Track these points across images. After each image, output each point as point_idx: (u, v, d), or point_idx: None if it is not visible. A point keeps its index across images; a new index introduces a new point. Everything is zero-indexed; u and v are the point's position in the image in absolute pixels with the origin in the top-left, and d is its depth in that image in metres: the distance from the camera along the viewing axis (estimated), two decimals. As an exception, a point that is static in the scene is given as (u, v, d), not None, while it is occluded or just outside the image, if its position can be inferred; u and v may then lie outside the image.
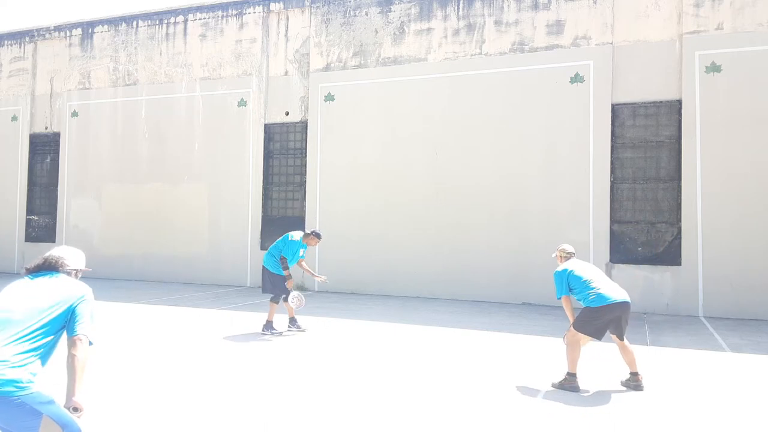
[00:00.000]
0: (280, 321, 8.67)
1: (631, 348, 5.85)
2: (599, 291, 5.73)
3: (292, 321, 8.47)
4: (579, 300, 5.88)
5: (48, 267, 3.12)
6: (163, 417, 4.73)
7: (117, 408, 4.94)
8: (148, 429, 4.47)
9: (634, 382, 5.74)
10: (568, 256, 6.19)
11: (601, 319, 5.69)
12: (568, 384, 5.69)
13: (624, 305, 5.76)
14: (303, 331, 8.44)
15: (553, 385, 5.77)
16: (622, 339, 5.85)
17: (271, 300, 8.42)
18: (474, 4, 12.65)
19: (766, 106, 10.50)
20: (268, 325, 8.29)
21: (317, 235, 8.48)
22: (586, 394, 5.53)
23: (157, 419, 4.67)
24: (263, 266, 8.49)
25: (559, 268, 6.04)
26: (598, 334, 5.75)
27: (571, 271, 5.91)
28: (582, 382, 5.74)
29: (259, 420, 4.68)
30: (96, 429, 4.45)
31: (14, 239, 17.11)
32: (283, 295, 8.30)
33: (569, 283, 5.88)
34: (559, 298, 5.98)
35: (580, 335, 5.77)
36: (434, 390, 5.58)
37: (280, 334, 8.28)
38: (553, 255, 6.40)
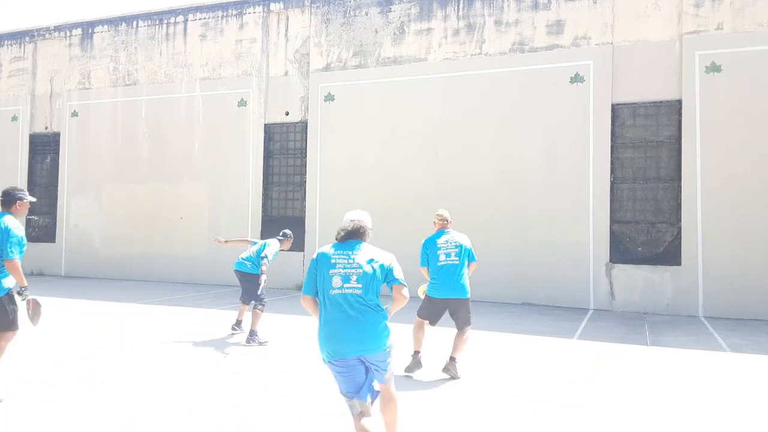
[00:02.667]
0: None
1: (465, 337, 6.07)
2: (437, 282, 6.05)
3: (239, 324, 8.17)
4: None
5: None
6: (153, 417, 4.73)
7: (106, 411, 4.94)
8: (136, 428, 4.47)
9: (451, 367, 5.93)
10: (442, 223, 6.30)
11: (433, 308, 6.11)
12: (413, 361, 6.03)
13: (450, 301, 6.03)
14: (236, 333, 8.08)
15: (406, 370, 6.01)
16: (461, 328, 6.10)
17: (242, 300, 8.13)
18: (474, 4, 12.65)
19: (766, 106, 10.50)
20: (239, 324, 8.16)
21: (288, 236, 8.18)
22: (586, 395, 5.53)
23: (143, 419, 4.68)
24: (237, 271, 8.03)
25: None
26: (431, 319, 6.16)
27: (433, 245, 6.12)
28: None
29: (252, 420, 4.67)
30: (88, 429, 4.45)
31: (14, 239, 17.08)
32: (255, 302, 7.77)
33: (428, 255, 6.15)
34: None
35: (420, 318, 6.21)
36: (433, 390, 5.58)
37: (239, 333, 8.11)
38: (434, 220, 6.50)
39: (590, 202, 11.45)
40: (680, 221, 10.97)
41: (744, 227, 10.46)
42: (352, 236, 3.69)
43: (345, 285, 3.54)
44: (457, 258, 6.08)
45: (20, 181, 17.09)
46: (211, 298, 12.10)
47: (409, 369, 6.06)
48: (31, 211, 17.11)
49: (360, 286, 3.54)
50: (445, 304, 6.07)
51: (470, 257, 6.26)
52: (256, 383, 5.76)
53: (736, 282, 10.41)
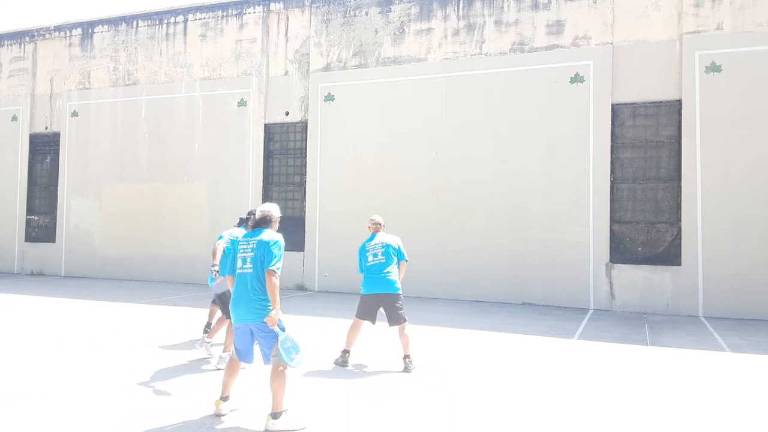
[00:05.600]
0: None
1: (406, 334, 6.33)
2: (366, 280, 6.40)
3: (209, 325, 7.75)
4: None
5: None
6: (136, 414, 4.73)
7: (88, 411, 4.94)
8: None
9: (405, 365, 6.24)
10: (375, 227, 6.62)
11: (365, 306, 6.42)
12: (341, 359, 6.42)
13: (380, 296, 6.35)
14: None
15: (335, 362, 6.44)
16: (392, 325, 6.38)
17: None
18: (474, 4, 12.65)
19: (766, 106, 10.50)
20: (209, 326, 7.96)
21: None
22: (586, 395, 5.53)
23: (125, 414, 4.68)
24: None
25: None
26: (368, 318, 6.44)
27: (363, 250, 6.50)
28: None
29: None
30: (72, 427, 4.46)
31: (14, 239, 17.11)
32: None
33: (360, 260, 6.53)
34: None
35: (357, 319, 6.48)
36: (432, 390, 5.58)
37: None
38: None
39: (590, 202, 11.45)
40: (680, 221, 10.97)
41: (744, 227, 10.47)
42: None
43: None
44: (384, 257, 6.43)
45: (20, 181, 17.10)
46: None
47: (337, 362, 6.46)
48: (31, 211, 17.15)
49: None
50: (377, 300, 6.38)
51: (399, 256, 6.54)
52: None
53: (736, 282, 10.41)
